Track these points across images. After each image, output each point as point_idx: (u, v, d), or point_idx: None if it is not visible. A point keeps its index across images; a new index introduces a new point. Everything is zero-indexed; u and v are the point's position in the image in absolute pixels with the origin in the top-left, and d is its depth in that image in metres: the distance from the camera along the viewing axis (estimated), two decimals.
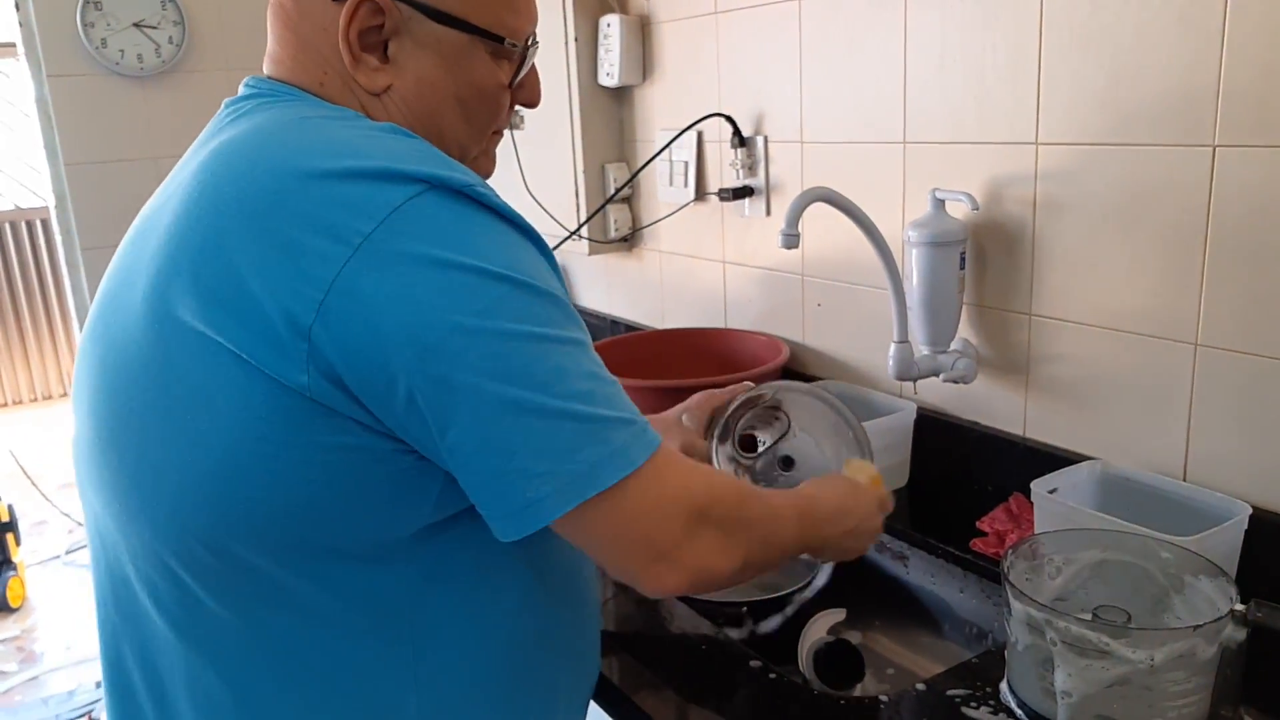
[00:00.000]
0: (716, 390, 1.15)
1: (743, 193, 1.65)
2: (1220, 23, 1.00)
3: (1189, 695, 0.80)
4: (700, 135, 1.75)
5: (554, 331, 0.67)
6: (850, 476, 1.01)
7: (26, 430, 5.03)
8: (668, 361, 1.72)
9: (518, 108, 0.88)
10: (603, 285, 2.15)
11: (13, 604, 3.31)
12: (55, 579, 3.56)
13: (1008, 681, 0.91)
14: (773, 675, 0.97)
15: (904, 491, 1.39)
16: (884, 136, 1.39)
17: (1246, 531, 1.01)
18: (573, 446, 0.66)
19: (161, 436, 0.69)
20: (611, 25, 1.82)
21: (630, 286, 2.07)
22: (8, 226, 5.38)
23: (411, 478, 0.69)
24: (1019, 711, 0.88)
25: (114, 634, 0.81)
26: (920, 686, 0.94)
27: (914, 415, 1.38)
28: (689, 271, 1.87)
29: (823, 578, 1.26)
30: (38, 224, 5.41)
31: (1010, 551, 0.91)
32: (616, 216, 1.96)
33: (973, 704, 0.90)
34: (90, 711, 2.73)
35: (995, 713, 0.89)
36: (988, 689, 0.92)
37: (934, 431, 1.38)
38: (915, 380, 1.35)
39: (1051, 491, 1.10)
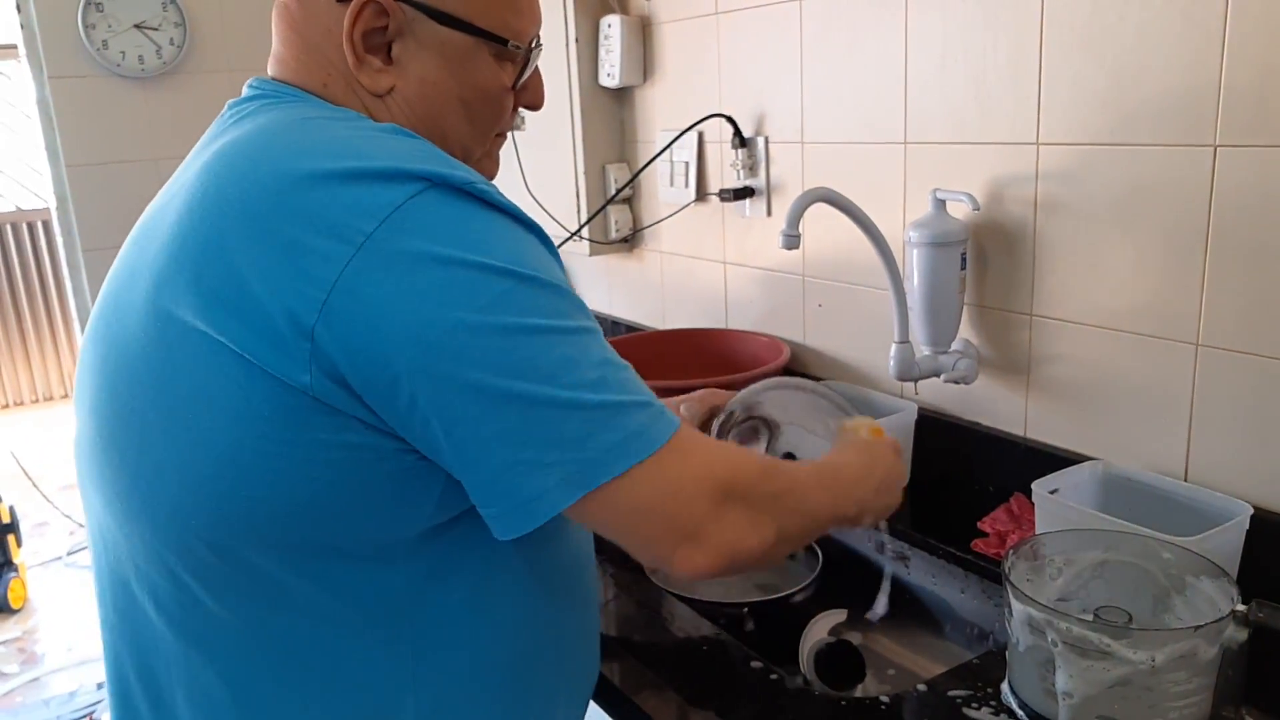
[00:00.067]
0: (720, 390, 1.15)
1: (743, 193, 1.65)
2: (1221, 23, 1.00)
3: (1190, 696, 0.80)
4: (701, 136, 1.75)
5: (560, 322, 0.67)
6: (853, 438, 0.99)
7: (28, 431, 5.03)
8: (669, 362, 1.72)
9: (519, 109, 0.88)
10: (603, 286, 2.15)
11: (14, 605, 3.31)
12: (56, 580, 3.56)
13: (1009, 682, 0.91)
14: (774, 676, 0.97)
15: (905, 492, 1.37)
16: (885, 137, 1.40)
17: (1248, 532, 1.01)
18: (584, 435, 0.66)
19: (163, 436, 0.69)
20: (612, 26, 1.82)
21: (631, 287, 2.07)
22: (9, 228, 5.39)
23: (414, 477, 0.69)
24: (1020, 712, 0.88)
25: (114, 634, 0.81)
26: (921, 687, 0.94)
27: (915, 416, 1.38)
28: (690, 272, 1.87)
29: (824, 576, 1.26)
30: (39, 225, 5.42)
31: (1011, 552, 0.91)
32: (617, 217, 1.96)
33: (974, 705, 0.90)
34: (91, 713, 2.73)
35: (996, 714, 0.89)
36: (989, 690, 0.92)
37: (935, 432, 1.38)
38: (916, 381, 1.35)
39: (1053, 492, 1.10)
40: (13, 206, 5.59)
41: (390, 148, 0.69)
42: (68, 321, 5.46)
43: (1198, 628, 0.78)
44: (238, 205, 0.67)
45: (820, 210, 1.27)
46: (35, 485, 4.11)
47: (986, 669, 0.95)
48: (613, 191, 1.94)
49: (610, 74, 1.85)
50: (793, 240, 1.21)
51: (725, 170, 1.69)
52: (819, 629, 1.13)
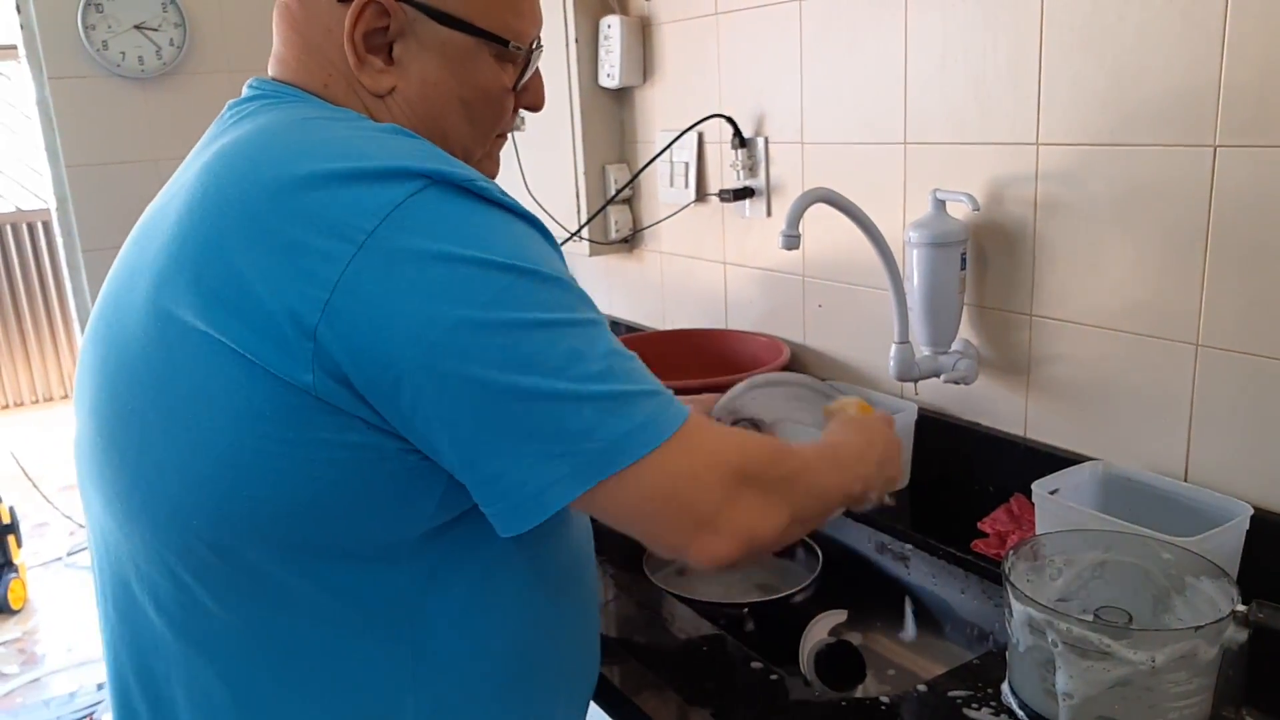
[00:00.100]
0: (706, 396, 1.14)
1: (743, 194, 1.65)
2: (1221, 23, 1.00)
3: (1190, 696, 0.80)
4: (701, 136, 1.75)
5: (565, 315, 0.67)
6: (844, 417, 0.99)
7: (28, 432, 5.03)
8: (669, 363, 1.72)
9: (520, 110, 0.88)
10: (603, 286, 2.15)
11: (14, 606, 3.31)
12: (57, 581, 3.56)
13: (1009, 683, 0.91)
14: (774, 676, 0.97)
15: (905, 492, 1.39)
16: (885, 137, 1.40)
17: (1248, 532, 1.01)
18: (593, 425, 0.65)
19: (163, 436, 0.69)
20: (612, 26, 1.82)
21: (631, 288, 2.07)
22: (9, 228, 5.39)
23: (416, 477, 0.69)
24: (1020, 713, 0.88)
25: (114, 635, 0.81)
26: (921, 688, 0.94)
27: (915, 416, 1.38)
28: (690, 272, 1.87)
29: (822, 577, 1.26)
30: (39, 226, 5.42)
31: (1011, 552, 0.91)
32: (617, 217, 1.96)
33: (974, 705, 0.90)
34: (92, 713, 2.73)
35: (997, 714, 0.89)
36: (989, 690, 0.92)
37: (935, 432, 1.38)
38: (916, 381, 1.35)
39: (1053, 492, 1.10)
40: (13, 207, 5.59)
41: (390, 147, 0.69)
42: (68, 322, 5.45)
43: (1198, 628, 0.78)
44: (238, 206, 0.67)
45: (820, 211, 1.27)
46: (35, 486, 4.11)
47: (987, 669, 0.95)
48: (613, 192, 1.94)
49: (610, 74, 1.85)
50: (793, 241, 1.21)
51: (725, 171, 1.69)
52: (819, 629, 1.13)
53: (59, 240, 2.32)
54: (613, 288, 2.13)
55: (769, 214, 1.64)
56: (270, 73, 0.81)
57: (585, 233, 1.94)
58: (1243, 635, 0.79)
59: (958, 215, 1.28)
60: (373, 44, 0.77)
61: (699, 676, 0.99)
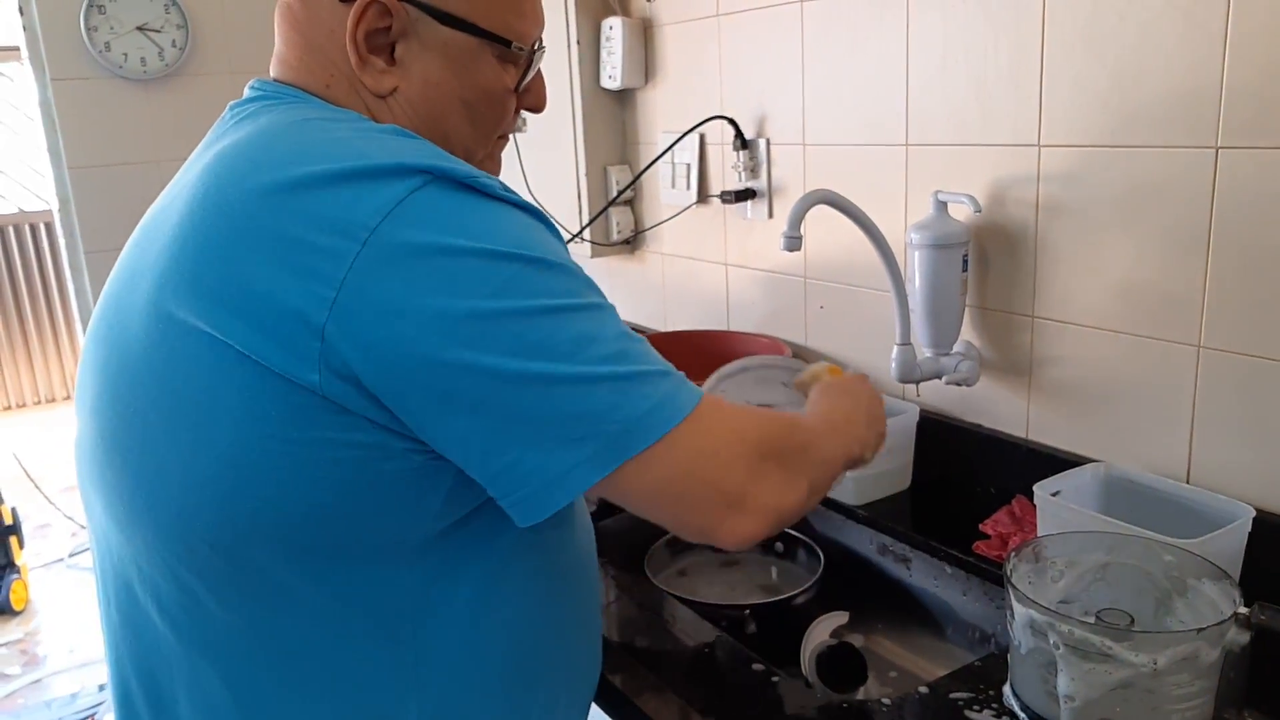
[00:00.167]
0: None
1: (745, 195, 1.65)
2: (1223, 24, 1.00)
3: (1192, 699, 0.80)
4: (702, 138, 1.75)
5: (572, 301, 0.67)
6: (821, 385, 0.97)
7: (29, 433, 5.04)
8: (670, 364, 1.72)
9: (521, 111, 0.88)
10: (605, 288, 2.13)
11: (16, 607, 3.31)
12: (58, 582, 3.56)
13: (1011, 685, 0.91)
14: (775, 678, 0.97)
15: (906, 494, 1.38)
16: (886, 139, 1.40)
17: (1250, 534, 1.01)
18: (611, 406, 0.65)
19: (165, 437, 0.69)
20: (614, 28, 1.82)
21: (633, 289, 2.07)
22: (11, 230, 5.39)
23: (422, 477, 0.69)
24: (1022, 715, 0.88)
25: (116, 636, 0.81)
26: (923, 690, 0.94)
27: (917, 417, 1.38)
28: (691, 274, 1.87)
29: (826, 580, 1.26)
30: (41, 227, 5.42)
31: (1013, 554, 0.91)
32: (619, 219, 1.96)
33: (975, 707, 0.90)
34: (93, 714, 2.73)
35: (998, 716, 0.89)
36: (990, 692, 0.92)
37: (937, 434, 1.38)
38: (918, 382, 1.35)
39: (1054, 494, 1.09)
40: (15, 208, 5.59)
41: (390, 147, 0.69)
42: (70, 323, 5.46)
43: (1200, 630, 0.78)
44: (238, 207, 0.67)
45: (822, 212, 1.27)
46: (37, 487, 4.11)
47: (988, 671, 0.95)
48: (614, 193, 1.94)
49: (612, 76, 1.85)
50: (794, 242, 1.21)
51: (727, 172, 1.69)
52: (821, 631, 1.13)
53: (61, 241, 2.32)
54: (614, 289, 2.13)
55: (770, 215, 1.64)
56: (272, 74, 0.81)
57: (587, 234, 1.94)
58: (1245, 637, 0.79)
59: (959, 217, 1.28)
60: (375, 44, 0.77)
61: (700, 678, 0.99)
